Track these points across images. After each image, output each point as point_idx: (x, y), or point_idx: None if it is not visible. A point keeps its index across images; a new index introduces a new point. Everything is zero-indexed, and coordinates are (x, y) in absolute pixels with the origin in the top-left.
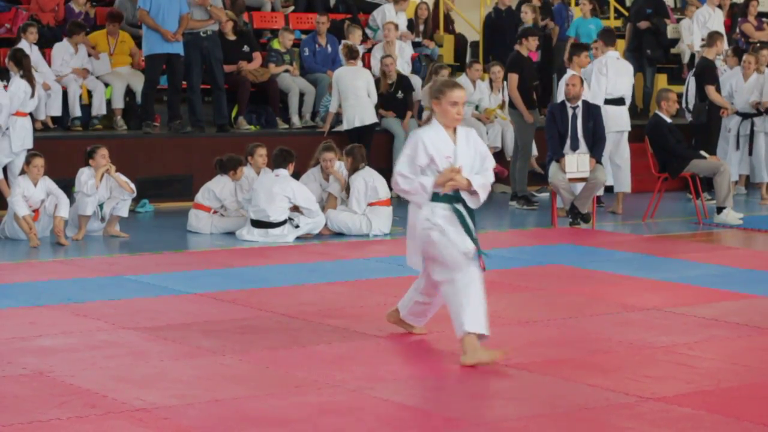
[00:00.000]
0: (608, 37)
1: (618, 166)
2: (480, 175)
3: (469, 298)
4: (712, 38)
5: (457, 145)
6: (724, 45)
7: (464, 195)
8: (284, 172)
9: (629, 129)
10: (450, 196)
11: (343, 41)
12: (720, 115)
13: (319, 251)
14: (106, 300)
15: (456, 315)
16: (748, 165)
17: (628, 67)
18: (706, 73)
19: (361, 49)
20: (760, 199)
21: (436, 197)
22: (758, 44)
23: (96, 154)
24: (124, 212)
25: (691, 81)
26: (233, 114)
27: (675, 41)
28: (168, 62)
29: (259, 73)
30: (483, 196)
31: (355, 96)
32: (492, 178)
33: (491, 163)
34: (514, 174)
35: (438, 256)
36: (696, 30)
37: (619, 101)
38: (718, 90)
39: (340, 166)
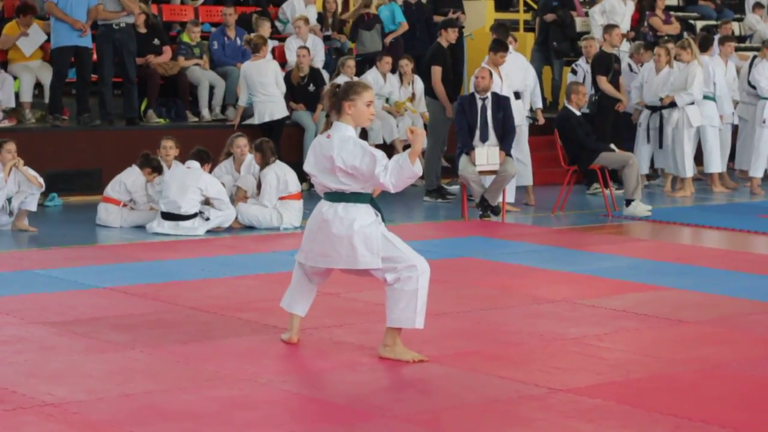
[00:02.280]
0: (500, 31)
1: (518, 160)
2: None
3: (424, 290)
4: (606, 30)
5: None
6: (620, 37)
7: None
8: (196, 164)
9: (527, 123)
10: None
11: (245, 35)
12: (616, 108)
13: (230, 245)
14: (15, 295)
15: (405, 308)
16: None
17: (522, 62)
18: (600, 64)
19: (271, 43)
20: (671, 190)
21: (364, 198)
22: (665, 38)
23: (2, 149)
24: (33, 206)
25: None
26: (143, 107)
27: (583, 34)
28: (77, 55)
29: (169, 67)
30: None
31: (264, 90)
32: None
33: None
34: (428, 167)
35: (396, 252)
36: (601, 21)
37: (514, 96)
38: (614, 82)
39: (251, 159)
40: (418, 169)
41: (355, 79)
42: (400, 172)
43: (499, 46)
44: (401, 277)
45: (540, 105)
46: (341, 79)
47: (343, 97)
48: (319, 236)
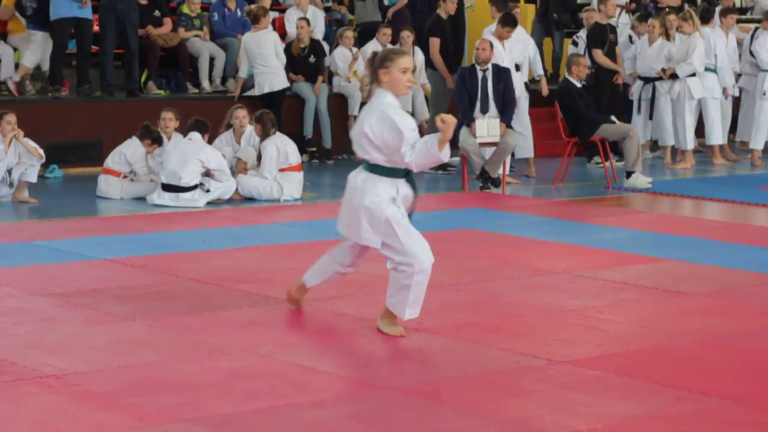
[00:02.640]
0: (499, 3)
1: (518, 132)
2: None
3: (419, 287)
4: (601, 1)
5: None
6: (614, 8)
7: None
8: (197, 136)
9: (527, 95)
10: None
11: (246, 6)
12: (614, 80)
13: (230, 216)
14: (15, 266)
15: (398, 296)
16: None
17: (522, 33)
18: (595, 37)
19: (272, 14)
20: (672, 161)
21: (397, 172)
22: (666, 9)
23: (2, 120)
24: (33, 178)
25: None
26: (143, 79)
27: (583, 5)
28: (77, 26)
29: (169, 38)
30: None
31: (263, 62)
32: None
33: None
34: None
35: (395, 243)
36: None
37: (515, 68)
38: (610, 54)
39: (251, 131)
40: (445, 155)
41: (385, 47)
42: (426, 155)
43: (508, 21)
44: (398, 268)
45: (541, 73)
46: (339, 51)
47: (379, 65)
48: (345, 205)
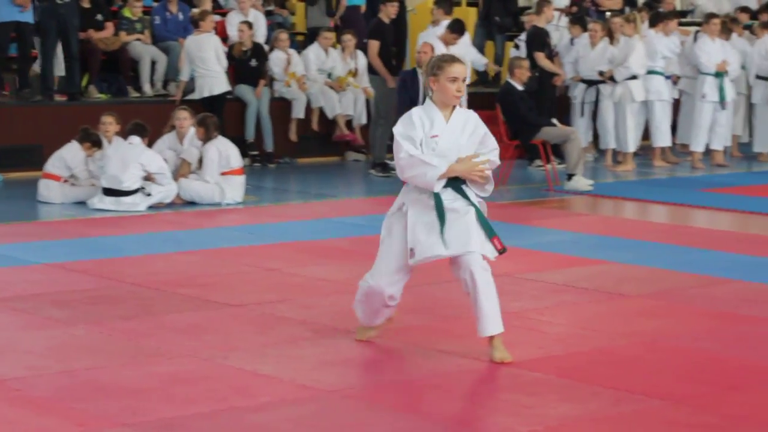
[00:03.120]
0: (446, 5)
1: None
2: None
3: (357, 306)
4: (540, 5)
5: (448, 125)
6: (552, 12)
7: (471, 185)
8: (137, 140)
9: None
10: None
11: (189, 9)
12: (553, 83)
13: (171, 220)
14: None
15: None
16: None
17: (466, 39)
18: (536, 41)
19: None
20: (612, 164)
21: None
22: (608, 12)
23: None
24: None
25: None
26: (84, 83)
27: (525, 8)
28: (17, 30)
29: (111, 42)
30: (491, 179)
31: (204, 65)
32: (496, 162)
33: (492, 144)
34: (374, 141)
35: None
36: None
37: None
38: (549, 57)
39: (193, 133)
40: (429, 181)
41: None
42: (411, 166)
43: (456, 28)
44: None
45: (485, 61)
46: (275, 55)
47: (430, 73)
48: None
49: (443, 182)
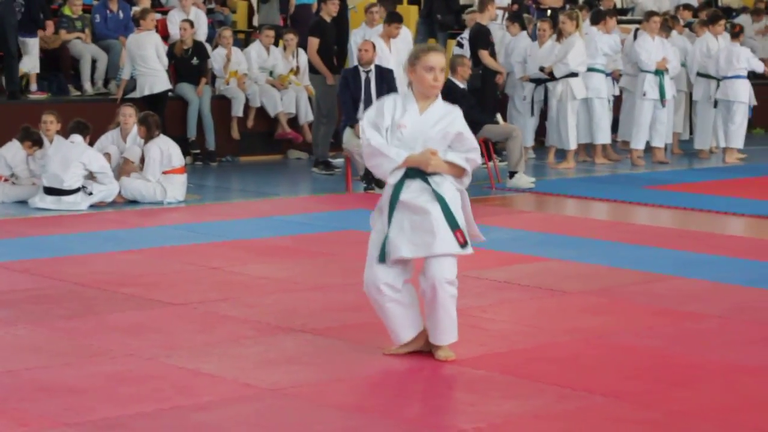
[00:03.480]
0: (388, 2)
1: None
2: (455, 153)
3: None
4: (483, 3)
5: (421, 116)
6: (495, 10)
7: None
8: (79, 138)
9: None
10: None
11: (129, 8)
12: (495, 81)
13: (113, 219)
14: None
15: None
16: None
17: (408, 35)
18: (479, 38)
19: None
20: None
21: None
22: (549, 10)
23: None
24: None
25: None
26: (24, 81)
27: (467, 6)
28: None
29: (51, 40)
30: (470, 171)
31: (145, 64)
32: (477, 161)
33: (471, 143)
34: (317, 139)
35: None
36: None
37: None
38: (492, 55)
39: (136, 133)
40: (384, 172)
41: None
42: (372, 155)
43: (394, 18)
44: None
45: None
46: (217, 53)
47: (409, 62)
48: None
49: (399, 174)
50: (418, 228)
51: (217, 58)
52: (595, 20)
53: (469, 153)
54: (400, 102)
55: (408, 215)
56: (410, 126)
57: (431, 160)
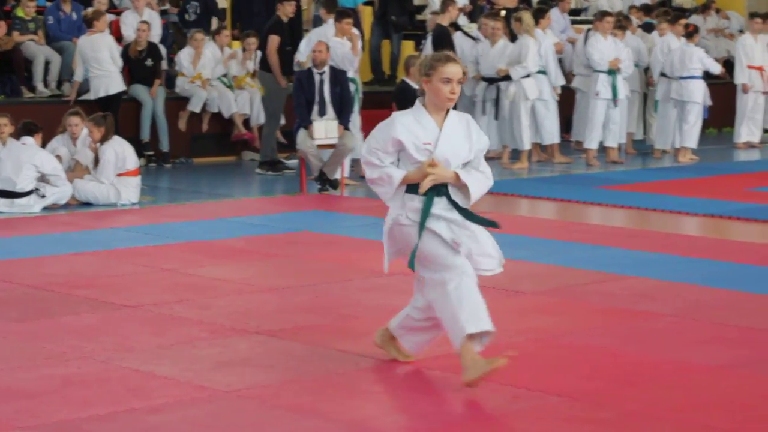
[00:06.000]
0: (330, 5)
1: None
2: (471, 171)
3: (463, 297)
4: (445, 4)
5: (442, 131)
6: (456, 11)
7: (452, 190)
8: (31, 140)
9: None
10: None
11: (82, 9)
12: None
13: (66, 221)
14: None
15: (452, 321)
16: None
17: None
18: (441, 40)
19: (109, 17)
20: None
21: (411, 189)
22: (503, 11)
23: None
24: None
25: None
26: None
27: (422, 8)
28: None
29: (3, 42)
30: (474, 192)
31: (99, 65)
32: (489, 183)
33: (483, 164)
34: (263, 140)
35: (423, 256)
36: None
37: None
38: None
39: (86, 133)
40: (386, 193)
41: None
42: (378, 173)
43: (344, 13)
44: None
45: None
46: (187, 52)
47: (423, 72)
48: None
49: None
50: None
51: (186, 56)
52: (536, 20)
53: (482, 171)
54: (413, 119)
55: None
56: (438, 143)
57: (435, 170)
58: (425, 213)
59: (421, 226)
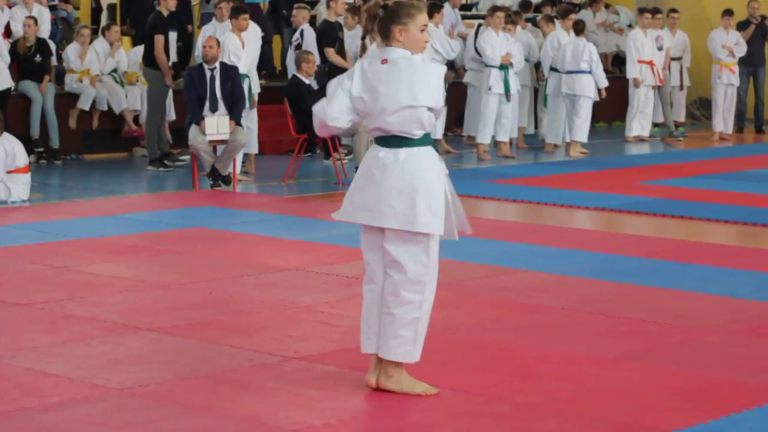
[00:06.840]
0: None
1: (247, 127)
2: None
3: (426, 325)
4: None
5: None
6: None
7: None
8: None
9: (258, 91)
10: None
11: None
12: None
13: None
14: None
15: (409, 340)
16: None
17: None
18: (325, 36)
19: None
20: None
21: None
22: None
23: None
24: None
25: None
26: None
27: (314, 3)
28: None
29: None
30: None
31: None
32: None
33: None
34: (148, 137)
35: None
36: None
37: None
38: (340, 52)
39: None
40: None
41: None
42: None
43: (239, 11)
44: (403, 293)
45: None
46: (73, 47)
47: (393, 20)
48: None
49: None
50: None
51: (73, 52)
52: (432, 15)
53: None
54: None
55: None
56: None
57: None
58: None
59: None
